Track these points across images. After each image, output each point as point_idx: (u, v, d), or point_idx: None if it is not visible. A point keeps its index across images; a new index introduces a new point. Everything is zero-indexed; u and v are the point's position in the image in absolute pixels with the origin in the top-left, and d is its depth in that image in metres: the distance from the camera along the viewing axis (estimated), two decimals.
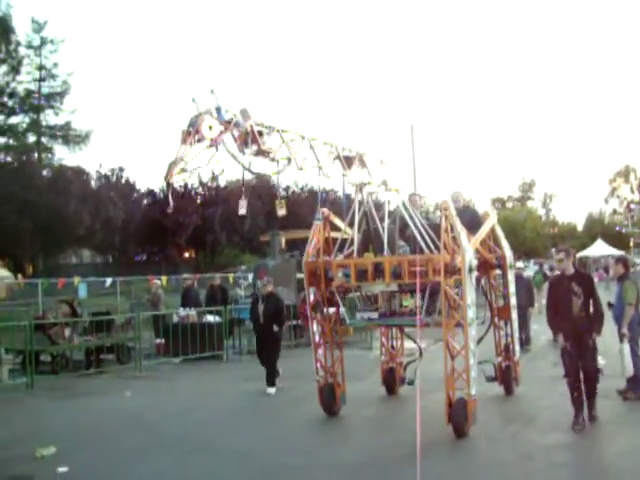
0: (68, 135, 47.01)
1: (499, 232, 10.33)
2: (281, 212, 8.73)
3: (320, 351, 9.56)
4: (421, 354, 9.73)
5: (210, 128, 6.87)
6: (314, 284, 9.31)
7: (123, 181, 45.71)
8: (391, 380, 10.97)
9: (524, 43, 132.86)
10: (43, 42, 47.56)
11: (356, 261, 8.63)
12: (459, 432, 7.96)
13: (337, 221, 9.53)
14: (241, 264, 37.04)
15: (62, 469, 7.19)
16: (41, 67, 47.77)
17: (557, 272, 8.66)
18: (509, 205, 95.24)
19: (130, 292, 28.67)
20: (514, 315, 10.46)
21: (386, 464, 7.24)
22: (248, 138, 7.34)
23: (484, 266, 9.84)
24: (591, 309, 8.23)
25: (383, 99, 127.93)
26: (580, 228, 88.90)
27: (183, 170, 6.84)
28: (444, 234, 8.03)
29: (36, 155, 44.08)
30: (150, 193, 47.15)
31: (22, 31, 47.52)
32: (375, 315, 9.00)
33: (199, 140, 6.87)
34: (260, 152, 7.60)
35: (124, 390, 12.31)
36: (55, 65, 47.75)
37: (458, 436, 7.94)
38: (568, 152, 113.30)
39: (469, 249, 8.19)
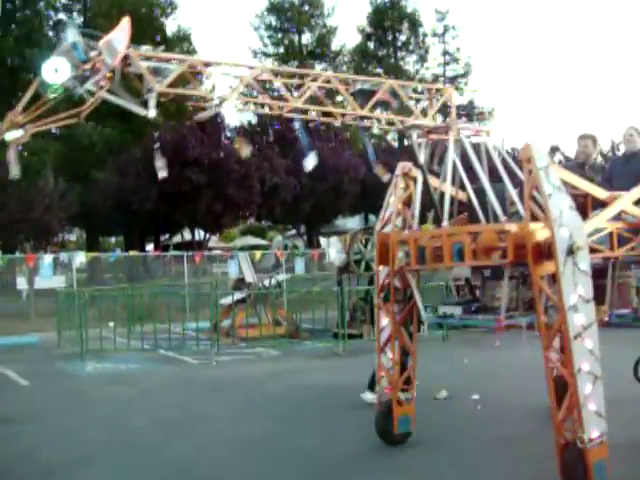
0: (472, 113, 50.06)
1: None
2: (245, 153, 7.91)
3: (389, 354, 7.05)
4: None
5: (56, 71, 5.41)
6: (387, 262, 6.86)
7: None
8: None
9: None
10: (446, 29, 51.42)
11: (417, 236, 6.28)
12: None
13: (428, 178, 6.65)
14: None
15: (475, 396, 8.69)
16: (445, 53, 51.70)
17: None
18: None
19: None
20: None
21: None
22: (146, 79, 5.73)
23: None
24: None
25: None
26: None
27: (21, 126, 5.56)
28: (527, 199, 5.51)
29: None
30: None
31: (427, 22, 52.07)
32: (458, 311, 6.62)
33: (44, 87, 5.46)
34: (170, 95, 5.99)
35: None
36: (457, 50, 51.46)
37: None
38: None
39: (572, 220, 5.31)
